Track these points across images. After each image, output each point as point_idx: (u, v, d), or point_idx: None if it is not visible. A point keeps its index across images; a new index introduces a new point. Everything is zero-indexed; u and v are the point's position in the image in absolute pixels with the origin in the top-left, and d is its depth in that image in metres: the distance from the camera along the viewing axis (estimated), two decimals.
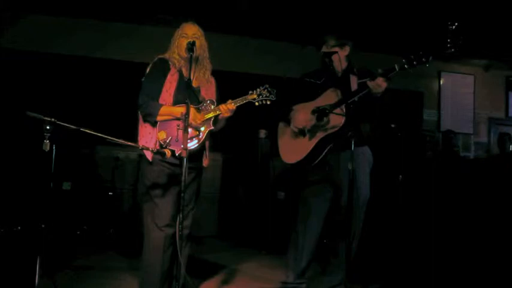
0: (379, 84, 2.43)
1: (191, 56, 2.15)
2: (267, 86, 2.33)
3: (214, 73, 2.52)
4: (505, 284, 3.10)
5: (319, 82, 2.76)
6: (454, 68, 6.22)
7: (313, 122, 2.62)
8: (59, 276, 2.81)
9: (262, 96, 2.31)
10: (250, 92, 2.32)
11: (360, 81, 2.69)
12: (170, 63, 2.35)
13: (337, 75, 2.74)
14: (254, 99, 2.31)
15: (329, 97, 2.63)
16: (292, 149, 2.73)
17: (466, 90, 6.25)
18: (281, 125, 2.86)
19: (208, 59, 2.44)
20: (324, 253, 2.84)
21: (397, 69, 2.39)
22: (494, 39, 5.01)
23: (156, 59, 2.38)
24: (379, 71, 2.45)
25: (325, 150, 2.61)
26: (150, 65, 2.37)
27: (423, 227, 4.17)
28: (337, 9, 4.42)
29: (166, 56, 2.38)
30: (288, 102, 2.79)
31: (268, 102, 2.33)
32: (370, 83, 2.44)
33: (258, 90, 2.32)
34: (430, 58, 2.34)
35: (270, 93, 2.32)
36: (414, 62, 2.34)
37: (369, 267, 3.43)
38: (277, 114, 2.84)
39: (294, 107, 2.77)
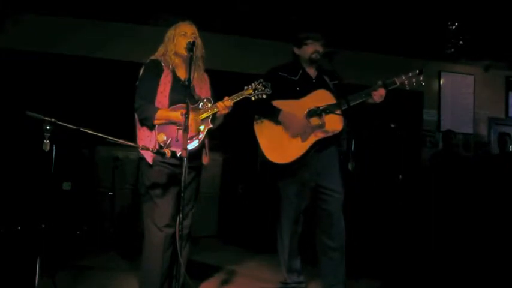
0: (381, 95, 2.57)
1: (191, 55, 2.15)
2: (262, 80, 2.35)
3: (215, 73, 2.52)
4: (505, 282, 3.10)
5: (295, 78, 2.74)
6: (454, 68, 6.21)
7: (310, 124, 2.61)
8: (59, 276, 2.81)
9: (258, 91, 2.33)
10: (245, 87, 2.34)
11: (333, 82, 2.76)
12: (163, 64, 2.34)
13: (310, 74, 2.77)
14: (250, 94, 2.32)
15: (319, 98, 2.63)
16: (281, 149, 2.62)
17: (466, 90, 6.24)
18: (262, 121, 2.70)
19: (202, 58, 2.43)
20: (318, 253, 2.83)
21: (397, 84, 2.61)
22: (494, 39, 5.00)
23: (148, 61, 2.37)
24: (379, 83, 2.59)
25: (312, 151, 2.61)
26: (143, 68, 2.35)
27: (423, 226, 4.17)
28: (337, 10, 4.42)
29: (158, 56, 2.37)
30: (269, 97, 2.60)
31: (264, 96, 2.34)
32: (374, 93, 2.56)
33: (253, 85, 2.34)
34: (422, 77, 2.61)
35: (265, 87, 2.34)
36: (413, 80, 2.59)
37: (368, 266, 3.43)
38: (259, 110, 2.68)
39: (277, 104, 2.65)
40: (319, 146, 2.62)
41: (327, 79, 2.76)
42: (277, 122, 2.64)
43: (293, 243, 2.76)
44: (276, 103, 2.65)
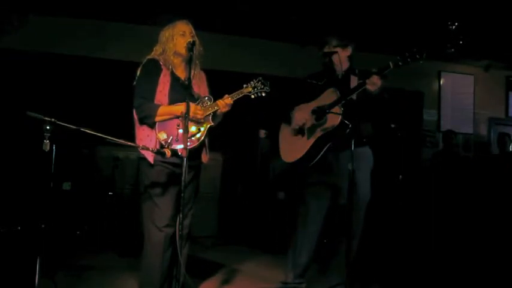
0: (374, 82, 2.46)
1: (191, 55, 2.15)
2: (260, 78, 2.37)
3: (215, 73, 2.53)
4: (504, 283, 3.10)
5: (320, 83, 2.76)
6: (454, 68, 6.21)
7: (313, 121, 2.63)
8: (59, 276, 2.81)
9: (257, 89, 2.34)
10: (245, 85, 2.35)
11: (361, 81, 2.70)
12: (161, 63, 2.33)
13: (337, 75, 2.74)
14: (250, 92, 2.34)
15: (328, 97, 2.63)
16: (291, 148, 2.73)
17: (466, 90, 6.24)
18: (282, 125, 2.86)
19: (200, 57, 2.42)
20: (324, 253, 2.83)
21: (391, 67, 2.42)
22: (494, 39, 5.00)
23: (145, 60, 2.35)
24: (373, 70, 2.49)
25: (324, 150, 2.61)
26: (141, 67, 2.34)
27: (423, 227, 4.17)
28: (337, 9, 4.42)
29: (155, 56, 2.36)
30: (290, 102, 2.79)
31: (263, 94, 2.36)
32: (367, 82, 2.47)
33: (252, 83, 2.36)
34: (424, 55, 2.37)
35: (264, 85, 2.35)
36: (408, 59, 2.38)
37: (368, 267, 3.43)
38: (278, 114, 2.84)
39: (296, 107, 2.77)
40: (331, 145, 2.62)
41: (354, 78, 2.73)
42: (290, 123, 2.74)
43: (306, 243, 2.75)
44: (296, 107, 2.75)
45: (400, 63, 2.40)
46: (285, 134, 2.83)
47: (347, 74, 2.76)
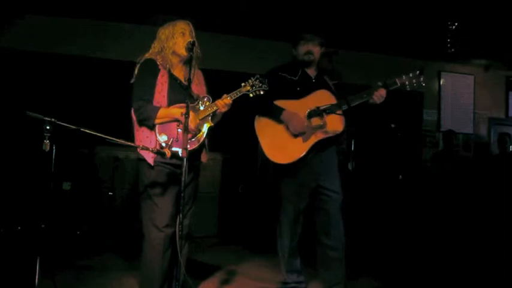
0: (382, 96, 2.57)
1: (191, 55, 2.15)
2: (258, 75, 2.35)
3: (215, 73, 2.52)
4: (505, 282, 3.10)
5: (295, 78, 2.74)
6: (454, 68, 6.22)
7: (307, 122, 2.61)
8: (59, 276, 2.80)
9: (256, 87, 2.33)
10: (243, 84, 2.34)
11: (333, 82, 2.76)
12: (158, 63, 2.30)
13: (310, 74, 2.76)
14: (248, 90, 2.33)
15: (320, 98, 2.63)
16: (282, 149, 2.62)
17: (466, 90, 6.25)
18: (263, 120, 2.70)
19: (198, 57, 2.39)
20: (321, 253, 2.83)
21: (398, 85, 2.61)
22: (494, 39, 5.01)
23: (142, 60, 2.31)
24: (379, 83, 2.60)
25: (313, 151, 2.60)
26: (138, 67, 2.30)
27: (423, 226, 4.17)
28: (337, 10, 4.42)
29: (152, 55, 2.33)
30: (266, 96, 2.57)
31: (262, 92, 2.34)
32: (374, 94, 2.55)
33: (250, 81, 2.34)
34: (422, 78, 2.61)
35: (262, 83, 2.35)
36: (413, 81, 2.60)
37: (368, 266, 3.43)
38: (260, 109, 2.70)
39: (279, 104, 2.66)
40: (319, 146, 2.62)
41: (327, 79, 2.76)
42: (279, 122, 2.65)
43: (293, 243, 2.76)
44: (278, 103, 2.66)
45: (406, 82, 2.61)
46: (269, 132, 2.67)
47: (319, 72, 2.78)
